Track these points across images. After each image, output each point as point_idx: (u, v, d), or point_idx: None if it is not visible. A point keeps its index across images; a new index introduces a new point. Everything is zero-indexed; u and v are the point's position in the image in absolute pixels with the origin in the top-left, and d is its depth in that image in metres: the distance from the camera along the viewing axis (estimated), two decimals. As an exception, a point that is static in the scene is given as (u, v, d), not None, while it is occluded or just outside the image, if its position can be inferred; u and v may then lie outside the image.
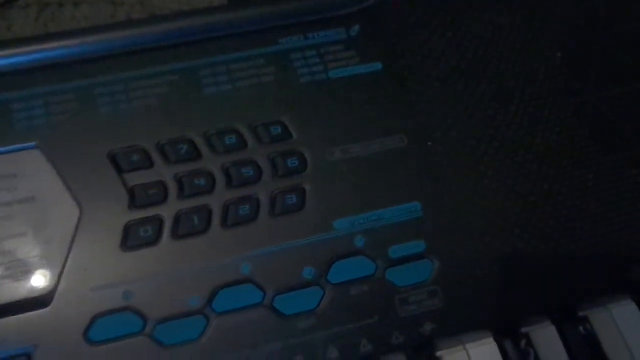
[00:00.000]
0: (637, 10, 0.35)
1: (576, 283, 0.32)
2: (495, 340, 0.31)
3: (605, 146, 0.33)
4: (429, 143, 0.32)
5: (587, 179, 0.32)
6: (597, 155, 0.33)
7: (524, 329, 0.32)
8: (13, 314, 0.27)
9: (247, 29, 0.33)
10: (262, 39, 0.33)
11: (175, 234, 0.29)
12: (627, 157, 0.33)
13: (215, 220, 0.29)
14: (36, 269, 0.27)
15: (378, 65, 0.33)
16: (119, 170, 0.29)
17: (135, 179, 0.29)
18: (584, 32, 0.35)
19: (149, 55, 0.32)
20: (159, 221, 0.29)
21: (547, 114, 0.33)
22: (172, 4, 0.60)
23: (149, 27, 0.32)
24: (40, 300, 0.27)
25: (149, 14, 0.59)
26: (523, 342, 0.32)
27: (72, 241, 0.28)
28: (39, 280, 0.27)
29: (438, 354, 0.29)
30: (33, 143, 0.29)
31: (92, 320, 0.27)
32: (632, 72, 0.34)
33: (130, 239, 0.29)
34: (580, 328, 0.31)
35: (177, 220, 0.29)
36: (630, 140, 0.33)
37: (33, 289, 0.27)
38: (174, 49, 0.32)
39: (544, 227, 0.31)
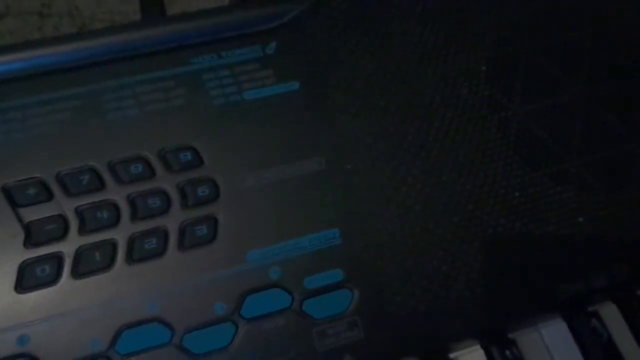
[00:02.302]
0: (562, 22, 0.35)
1: (505, 305, 0.31)
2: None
3: (530, 162, 0.32)
4: (348, 166, 0.30)
5: (513, 197, 0.31)
6: (522, 171, 0.32)
7: (452, 355, 0.31)
8: None
9: (158, 48, 0.31)
10: (173, 59, 0.31)
11: (76, 273, 0.27)
12: (553, 173, 0.32)
13: (120, 255, 0.28)
14: None
15: (295, 85, 0.31)
16: (14, 204, 0.27)
17: (33, 214, 0.28)
18: (509, 45, 0.34)
19: (49, 79, 0.30)
20: (58, 259, 0.27)
21: (471, 130, 0.32)
22: (104, 15, 0.58)
23: (47, 49, 0.30)
24: None
25: (79, 26, 0.56)
26: (451, 368, 0.31)
27: (-37, 284, 0.26)
28: None
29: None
30: None
31: (-16, 370, 0.25)
32: (558, 85, 0.33)
33: (26, 279, 0.27)
34: (507, 352, 0.30)
35: (78, 257, 0.27)
36: (556, 156, 0.32)
37: None
38: (77, 71, 0.30)
39: (469, 249, 0.30)
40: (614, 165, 0.32)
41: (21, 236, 0.27)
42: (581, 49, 0.34)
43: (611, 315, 0.33)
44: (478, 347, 0.31)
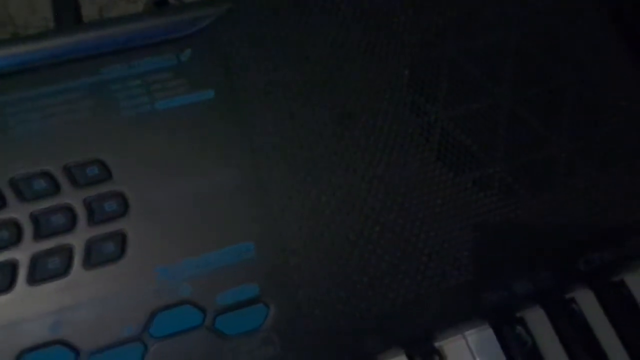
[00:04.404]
0: (487, 25, 0.34)
1: (428, 314, 0.30)
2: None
3: (453, 168, 0.31)
4: (264, 177, 0.29)
5: (435, 204, 0.31)
6: (445, 177, 0.31)
7: (376, 366, 0.30)
8: None
9: (66, 58, 0.30)
10: (82, 69, 0.30)
11: (-26, 296, 0.26)
12: (476, 178, 0.32)
13: (22, 276, 0.27)
14: None
15: (210, 93, 0.30)
16: None
17: None
18: (433, 48, 0.33)
19: (-54, 93, 0.28)
20: (-46, 282, 0.26)
21: (394, 136, 0.31)
22: (39, 22, 0.56)
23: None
24: None
25: (12, 34, 0.55)
26: (375, 380, 0.30)
27: None
28: None
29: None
30: None
31: None
32: (482, 89, 0.33)
33: None
34: (430, 362, 0.30)
35: (-25, 279, 0.26)
36: (479, 161, 0.32)
37: None
38: (-22, 84, 0.29)
39: (391, 258, 0.30)
40: (537, 169, 0.32)
41: None
42: (506, 52, 0.34)
43: (538, 320, 0.32)
44: (404, 356, 0.31)
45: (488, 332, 0.32)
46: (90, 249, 0.27)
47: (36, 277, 0.27)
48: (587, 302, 0.33)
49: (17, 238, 0.27)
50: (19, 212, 0.27)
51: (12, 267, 0.26)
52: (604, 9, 0.36)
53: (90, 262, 0.27)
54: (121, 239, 0.28)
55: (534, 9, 0.35)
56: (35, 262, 0.27)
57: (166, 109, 0.30)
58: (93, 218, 0.28)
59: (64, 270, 0.27)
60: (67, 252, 0.27)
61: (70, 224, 0.27)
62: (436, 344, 0.31)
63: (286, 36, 0.32)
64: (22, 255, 0.27)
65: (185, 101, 0.30)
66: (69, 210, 0.28)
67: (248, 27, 0.32)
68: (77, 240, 0.27)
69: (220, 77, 0.31)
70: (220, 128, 0.30)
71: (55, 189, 0.28)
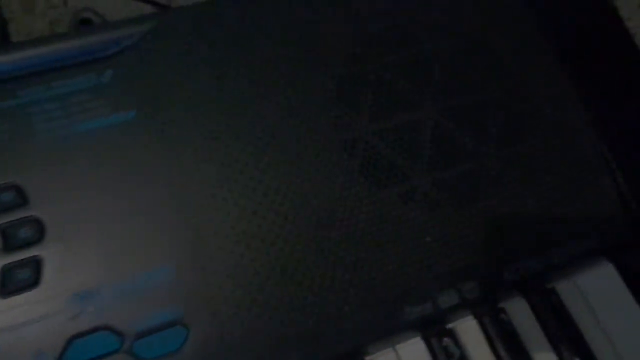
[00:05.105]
0: (413, 38, 0.34)
1: (355, 328, 0.30)
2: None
3: (376, 182, 0.31)
4: (186, 197, 0.29)
5: (359, 219, 0.31)
6: (368, 193, 0.31)
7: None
8: None
9: (-17, 82, 0.30)
10: (-1, 92, 0.30)
11: None
12: (400, 192, 0.32)
13: None
14: None
15: (131, 114, 0.30)
16: None
17: None
18: (361, 62, 0.33)
19: None
20: None
21: (317, 152, 0.31)
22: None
23: None
24: None
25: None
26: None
27: None
28: None
29: None
30: None
31: None
32: (408, 102, 0.33)
33: None
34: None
35: None
36: (403, 175, 0.32)
37: None
38: None
39: (313, 274, 0.30)
40: (462, 181, 0.32)
41: None
42: (432, 65, 0.34)
43: (469, 330, 0.32)
44: (334, 373, 0.31)
45: (419, 345, 0.32)
46: (4, 276, 0.27)
47: (-52, 307, 0.26)
48: (520, 310, 0.33)
49: None
50: None
51: None
52: (533, 21, 0.36)
53: (5, 289, 0.27)
54: (37, 266, 0.27)
55: (461, 22, 0.35)
56: (-52, 291, 0.26)
57: (85, 131, 0.29)
58: (7, 245, 0.27)
59: (-22, 299, 0.26)
60: (-20, 281, 0.27)
61: (-16, 252, 0.27)
62: (367, 359, 0.31)
63: (210, 55, 0.32)
64: None
65: (105, 122, 0.30)
66: (-17, 238, 0.27)
67: (171, 46, 0.32)
68: (-9, 268, 0.27)
69: (142, 98, 0.31)
70: (140, 149, 0.30)
71: (-31, 216, 0.27)
